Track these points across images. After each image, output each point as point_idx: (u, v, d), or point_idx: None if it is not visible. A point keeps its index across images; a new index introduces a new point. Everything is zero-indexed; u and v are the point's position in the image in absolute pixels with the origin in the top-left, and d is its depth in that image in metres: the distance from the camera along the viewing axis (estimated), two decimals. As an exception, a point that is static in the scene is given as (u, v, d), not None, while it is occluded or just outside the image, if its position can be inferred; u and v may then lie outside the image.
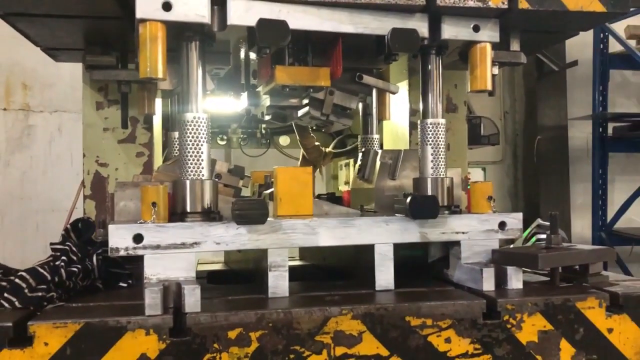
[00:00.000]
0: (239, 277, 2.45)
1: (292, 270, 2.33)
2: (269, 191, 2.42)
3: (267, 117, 2.54)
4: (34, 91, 6.91)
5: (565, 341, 2.00)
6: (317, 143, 3.71)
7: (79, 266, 2.08)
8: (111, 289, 2.22)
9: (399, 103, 3.21)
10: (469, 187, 2.97)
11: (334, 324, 1.86)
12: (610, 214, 6.88)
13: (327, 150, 3.84)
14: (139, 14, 1.90)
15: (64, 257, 2.08)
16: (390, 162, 2.54)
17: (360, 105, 2.96)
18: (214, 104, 3.07)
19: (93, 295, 2.10)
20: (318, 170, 3.93)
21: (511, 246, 2.60)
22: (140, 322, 1.74)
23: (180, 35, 2.07)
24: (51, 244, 2.18)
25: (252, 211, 1.92)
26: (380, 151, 2.60)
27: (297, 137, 3.61)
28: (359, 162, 2.69)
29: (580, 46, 6.78)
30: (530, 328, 1.98)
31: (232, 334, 1.79)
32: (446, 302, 1.94)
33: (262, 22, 1.95)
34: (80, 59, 2.69)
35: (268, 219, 2.00)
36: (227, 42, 2.39)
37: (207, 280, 2.54)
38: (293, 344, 1.82)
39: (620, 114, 6.82)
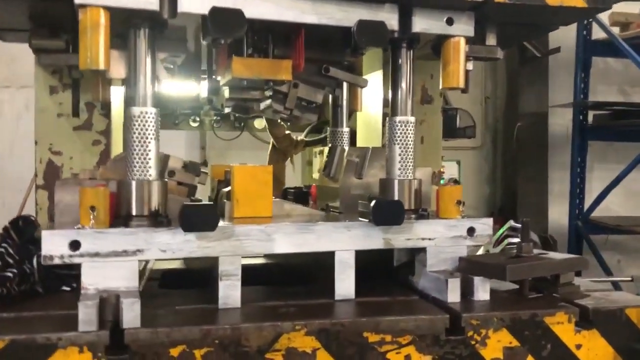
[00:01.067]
0: (195, 278, 2.31)
1: (252, 271, 2.21)
2: (227, 189, 2.28)
3: (227, 110, 2.38)
4: (1, 66, 6.64)
5: (532, 358, 1.90)
6: (287, 132, 3.56)
7: (15, 270, 1.93)
8: (53, 292, 2.07)
9: (373, 94, 3.06)
10: (442, 181, 2.85)
11: (286, 341, 1.73)
12: (587, 203, 6.84)
13: (299, 138, 3.69)
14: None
15: (-2, 261, 1.92)
16: (357, 161, 2.40)
17: (330, 97, 2.81)
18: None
19: (30, 302, 1.95)
20: (289, 159, 3.78)
21: (481, 250, 2.50)
22: (72, 338, 1.60)
23: (127, 21, 1.90)
24: (-15, 245, 2.02)
25: (201, 218, 1.77)
26: (347, 148, 2.46)
27: (266, 126, 3.46)
28: (324, 159, 2.55)
29: (563, 31, 6.58)
30: (496, 344, 1.87)
31: (174, 352, 1.66)
32: (407, 317, 1.83)
33: (215, 10, 1.79)
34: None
35: (220, 224, 1.86)
36: (183, 28, 2.21)
37: (161, 282, 2.39)
38: (241, 362, 1.70)
39: (600, 103, 6.73)
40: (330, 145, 2.73)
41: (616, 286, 6.18)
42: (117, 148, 2.99)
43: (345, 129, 2.85)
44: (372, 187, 2.34)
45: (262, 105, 2.36)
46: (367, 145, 3.18)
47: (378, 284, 2.24)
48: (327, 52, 2.28)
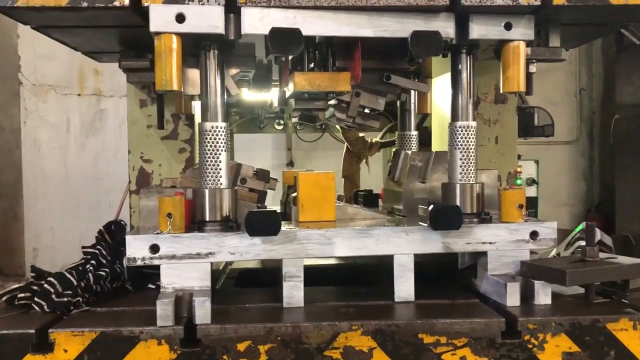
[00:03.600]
0: (268, 277, 2.47)
1: (320, 271, 2.32)
2: (294, 194, 2.41)
3: (294, 120, 2.51)
4: (105, 76, 7.21)
5: (594, 364, 1.88)
6: (361, 134, 3.65)
7: (107, 270, 2.17)
8: (140, 290, 2.30)
9: (446, 95, 3.08)
10: (519, 181, 2.83)
11: (343, 339, 1.84)
12: (694, 199, 6.39)
13: (374, 140, 3.76)
14: (152, 27, 1.92)
15: (93, 261, 2.18)
16: (421, 165, 2.46)
17: (398, 102, 2.87)
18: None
19: (121, 298, 2.19)
20: (364, 161, 3.86)
21: (553, 252, 2.48)
22: (152, 332, 1.80)
23: (197, 43, 2.08)
24: (83, 247, 2.28)
25: (263, 223, 1.92)
26: (410, 153, 2.52)
27: (340, 130, 3.57)
28: (389, 164, 2.62)
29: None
30: (554, 349, 1.87)
31: (241, 347, 1.82)
32: (462, 320, 1.87)
33: (274, 31, 1.92)
34: (121, 60, 2.76)
35: (284, 228, 2.00)
36: (252, 45, 2.37)
37: (237, 280, 2.57)
38: (302, 359, 1.82)
39: None
40: (396, 148, 2.79)
41: None
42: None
43: (414, 133, 2.90)
44: (435, 191, 2.39)
45: (327, 114, 2.48)
46: (443, 146, 3.22)
47: (441, 286, 2.29)
48: (389, 61, 2.35)
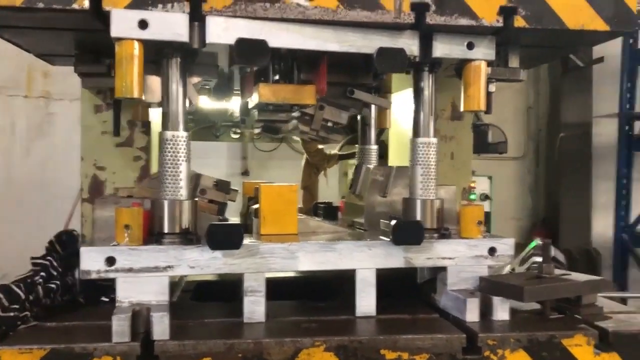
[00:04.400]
0: (226, 290, 2.42)
1: (279, 284, 2.29)
2: (255, 206, 2.38)
3: (257, 131, 2.49)
4: (54, 79, 6.97)
5: (550, 379, 1.92)
6: (320, 147, 3.65)
7: (58, 282, 2.08)
8: (94, 303, 2.22)
9: (404, 110, 3.12)
10: (472, 197, 2.89)
11: (305, 356, 1.82)
12: (634, 215, 6.68)
13: (332, 152, 3.77)
14: (114, 33, 1.87)
15: (43, 273, 2.08)
16: (382, 180, 2.47)
17: (359, 116, 2.89)
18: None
19: (72, 313, 2.09)
20: (323, 173, 3.87)
21: (507, 268, 2.52)
22: (107, 349, 1.73)
23: (159, 50, 2.03)
24: (32, 258, 2.18)
25: (225, 237, 1.88)
26: (371, 167, 2.53)
27: (300, 141, 3.56)
28: (351, 178, 2.62)
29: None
30: (512, 365, 1.91)
31: (200, 364, 1.77)
32: (424, 336, 1.88)
33: (240, 42, 1.89)
34: (75, 64, 2.67)
35: (246, 241, 1.96)
36: (214, 54, 2.33)
37: (194, 293, 2.51)
38: (263, 375, 1.79)
39: (647, 113, 6.58)
40: (357, 163, 2.80)
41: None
42: (156, 164, 3.14)
43: (374, 147, 2.91)
44: (396, 205, 2.41)
45: (290, 126, 2.46)
46: (399, 160, 3.26)
47: (401, 301, 2.30)
48: (352, 75, 2.36)
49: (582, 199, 7.14)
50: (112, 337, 1.74)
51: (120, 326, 1.75)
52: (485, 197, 5.35)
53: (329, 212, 2.96)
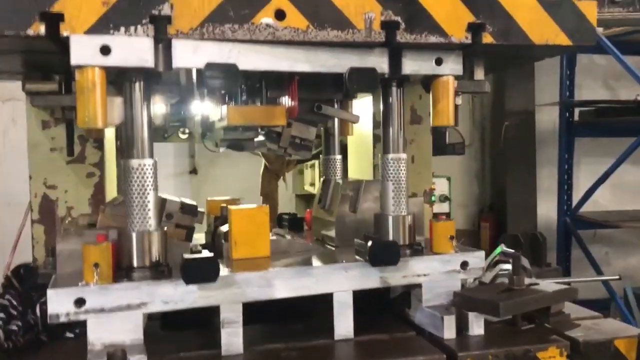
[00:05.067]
0: (196, 317, 2.33)
1: (253, 307, 2.24)
2: (224, 229, 2.31)
3: (222, 149, 2.41)
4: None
5: (527, 391, 1.97)
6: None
7: (19, 323, 1.97)
8: (58, 340, 2.10)
9: (364, 114, 3.10)
10: (432, 200, 2.90)
11: (288, 388, 1.79)
12: (576, 198, 6.95)
13: (290, 158, 3.72)
14: (74, 60, 1.75)
15: (2, 314, 1.95)
16: (352, 195, 2.45)
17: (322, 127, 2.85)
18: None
19: (34, 353, 1.98)
20: (282, 178, 3.82)
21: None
22: (82, 397, 1.65)
23: (122, 74, 1.92)
24: (-11, 298, 2.04)
25: (202, 270, 1.82)
26: (340, 181, 2.50)
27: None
28: (319, 192, 2.59)
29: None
30: (491, 381, 1.94)
31: (181, 405, 1.71)
32: (405, 359, 1.89)
33: (210, 66, 1.81)
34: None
35: (221, 272, 1.90)
36: (176, 74, 2.23)
37: (163, 323, 2.42)
38: (246, 412, 1.75)
39: (586, 101, 6.83)
40: (323, 175, 2.76)
41: (605, 284, 6.31)
42: (110, 179, 3.01)
43: (338, 157, 2.89)
44: (366, 220, 2.39)
45: (256, 143, 2.40)
46: (358, 165, 3.25)
47: (375, 318, 2.29)
48: (320, 92, 2.32)
49: (527, 184, 7.37)
50: (87, 385, 1.66)
51: (95, 373, 1.67)
52: (445, 198, 5.44)
53: (293, 223, 2.92)
